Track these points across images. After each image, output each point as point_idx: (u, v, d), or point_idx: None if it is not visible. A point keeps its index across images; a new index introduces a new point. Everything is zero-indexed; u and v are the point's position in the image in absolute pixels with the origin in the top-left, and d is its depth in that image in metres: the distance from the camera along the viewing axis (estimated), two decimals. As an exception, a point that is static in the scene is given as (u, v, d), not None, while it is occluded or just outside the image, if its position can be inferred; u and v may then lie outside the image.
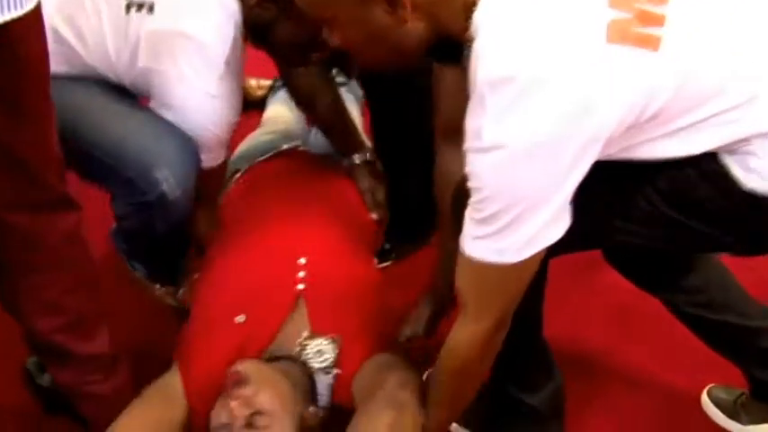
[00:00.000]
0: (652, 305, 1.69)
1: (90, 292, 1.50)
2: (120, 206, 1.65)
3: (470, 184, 1.14)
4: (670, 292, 1.58)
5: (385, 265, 1.99)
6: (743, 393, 1.68)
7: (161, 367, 1.54)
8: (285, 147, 1.96)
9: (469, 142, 1.12)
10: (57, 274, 1.43)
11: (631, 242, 1.32)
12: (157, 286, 1.91)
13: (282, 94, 2.31)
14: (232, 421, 1.35)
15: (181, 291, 1.89)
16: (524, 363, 1.52)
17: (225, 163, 1.81)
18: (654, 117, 1.13)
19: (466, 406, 1.47)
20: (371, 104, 2.03)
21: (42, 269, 1.41)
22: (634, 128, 1.13)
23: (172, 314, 1.87)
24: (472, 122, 1.11)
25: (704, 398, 1.72)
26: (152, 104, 1.67)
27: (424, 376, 1.72)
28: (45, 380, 1.66)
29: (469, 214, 1.16)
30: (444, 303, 1.65)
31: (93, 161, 1.60)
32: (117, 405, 1.45)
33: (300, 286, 1.57)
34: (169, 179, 1.56)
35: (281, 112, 2.26)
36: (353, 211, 1.82)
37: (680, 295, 1.57)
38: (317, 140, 2.05)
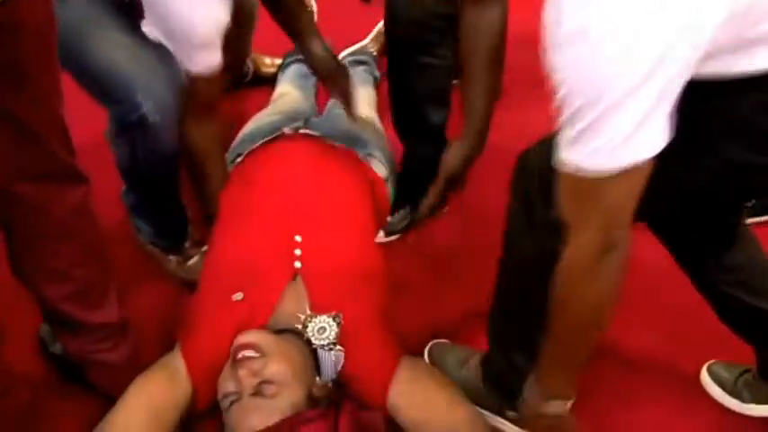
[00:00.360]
0: (654, 285, 1.67)
1: (98, 264, 1.53)
2: (112, 125, 1.75)
3: (553, 79, 1.07)
4: (710, 267, 1.53)
5: (392, 239, 2.00)
6: (745, 371, 1.65)
7: (170, 339, 1.57)
8: (286, 130, 1.96)
9: (548, 36, 1.05)
10: (65, 245, 1.46)
11: (690, 185, 1.25)
12: (170, 258, 1.95)
13: (292, 71, 2.33)
14: (240, 389, 1.38)
15: (190, 262, 1.93)
16: (532, 328, 1.45)
17: (222, 73, 1.71)
18: (744, 14, 1.04)
19: (584, 355, 1.33)
20: (391, 70, 2.02)
21: (50, 240, 1.45)
22: (723, 26, 1.03)
23: (183, 286, 1.90)
24: (550, 13, 1.05)
25: (704, 374, 1.70)
26: (144, 23, 1.66)
27: (426, 349, 1.76)
28: (57, 348, 1.69)
29: (559, 117, 1.10)
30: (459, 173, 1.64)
31: (89, 82, 1.72)
32: (126, 374, 1.49)
33: (297, 264, 1.58)
34: (149, 102, 1.64)
35: (289, 90, 2.26)
36: (353, 190, 1.81)
37: (720, 273, 1.52)
38: (322, 120, 2.05)
